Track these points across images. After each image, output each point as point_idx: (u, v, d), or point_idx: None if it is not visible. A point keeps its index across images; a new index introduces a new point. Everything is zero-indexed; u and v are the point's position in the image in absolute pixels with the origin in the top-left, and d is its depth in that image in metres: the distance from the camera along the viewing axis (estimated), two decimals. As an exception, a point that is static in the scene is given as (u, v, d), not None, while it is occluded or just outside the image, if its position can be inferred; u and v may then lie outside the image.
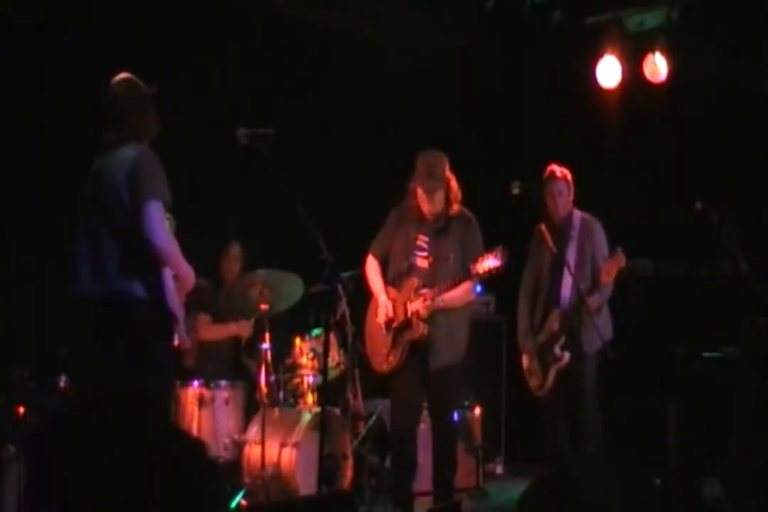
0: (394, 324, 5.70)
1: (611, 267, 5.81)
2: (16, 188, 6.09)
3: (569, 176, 6.11)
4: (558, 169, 6.09)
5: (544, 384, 5.99)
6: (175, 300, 4.40)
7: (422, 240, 5.74)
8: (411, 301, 5.64)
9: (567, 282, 5.95)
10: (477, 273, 5.46)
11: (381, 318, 5.74)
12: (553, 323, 5.99)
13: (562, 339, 5.94)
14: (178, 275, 4.44)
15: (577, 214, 6.14)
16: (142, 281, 4.34)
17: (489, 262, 5.38)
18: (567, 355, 5.91)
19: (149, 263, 4.33)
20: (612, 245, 5.99)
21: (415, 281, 5.67)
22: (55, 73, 6.21)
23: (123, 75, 4.60)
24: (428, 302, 5.57)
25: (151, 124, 4.56)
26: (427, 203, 5.71)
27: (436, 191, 5.68)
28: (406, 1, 7.36)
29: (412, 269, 5.72)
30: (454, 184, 5.73)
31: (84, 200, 4.48)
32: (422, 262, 5.72)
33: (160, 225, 4.31)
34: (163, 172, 4.43)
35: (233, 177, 6.85)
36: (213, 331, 6.76)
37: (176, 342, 4.56)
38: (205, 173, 6.73)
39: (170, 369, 4.61)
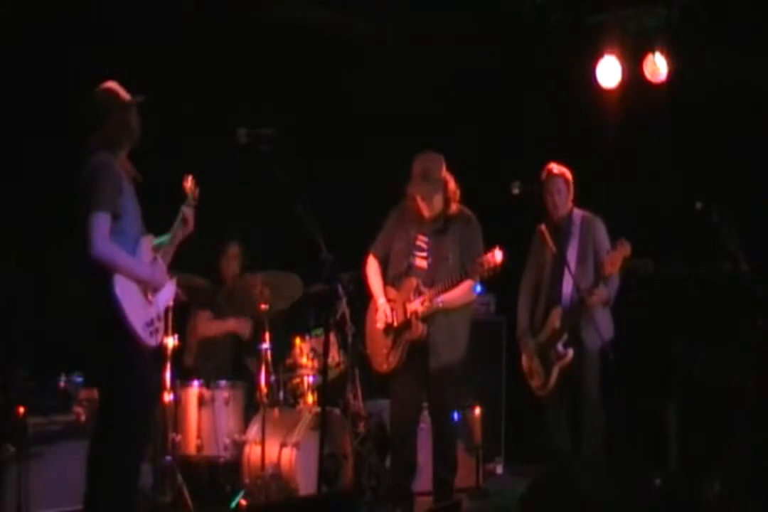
0: (394, 326, 5.70)
1: (615, 257, 5.75)
2: (17, 188, 6.10)
3: (568, 174, 6.09)
4: (556, 167, 6.08)
5: (547, 383, 5.97)
6: (132, 306, 4.41)
7: (422, 240, 5.73)
8: (410, 301, 5.64)
9: (568, 280, 5.91)
10: (476, 273, 5.45)
11: (380, 325, 5.74)
12: (555, 321, 5.97)
13: (564, 337, 5.91)
14: (138, 280, 4.48)
15: (578, 212, 6.12)
16: (95, 287, 4.39)
17: (488, 261, 5.38)
18: (570, 352, 5.89)
19: (103, 269, 4.39)
20: (614, 242, 5.97)
21: (414, 281, 5.66)
22: (53, 73, 6.20)
23: (106, 84, 4.66)
24: (427, 302, 5.57)
25: (125, 134, 4.61)
26: (426, 208, 5.72)
27: (434, 196, 5.68)
28: (407, 2, 7.36)
29: (411, 269, 5.72)
30: (451, 183, 5.71)
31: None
32: (421, 262, 5.72)
33: (98, 235, 4.35)
34: (117, 182, 4.46)
35: (233, 177, 6.84)
36: (211, 327, 6.79)
37: (153, 342, 4.55)
38: (205, 173, 6.72)
39: (132, 372, 4.48)
